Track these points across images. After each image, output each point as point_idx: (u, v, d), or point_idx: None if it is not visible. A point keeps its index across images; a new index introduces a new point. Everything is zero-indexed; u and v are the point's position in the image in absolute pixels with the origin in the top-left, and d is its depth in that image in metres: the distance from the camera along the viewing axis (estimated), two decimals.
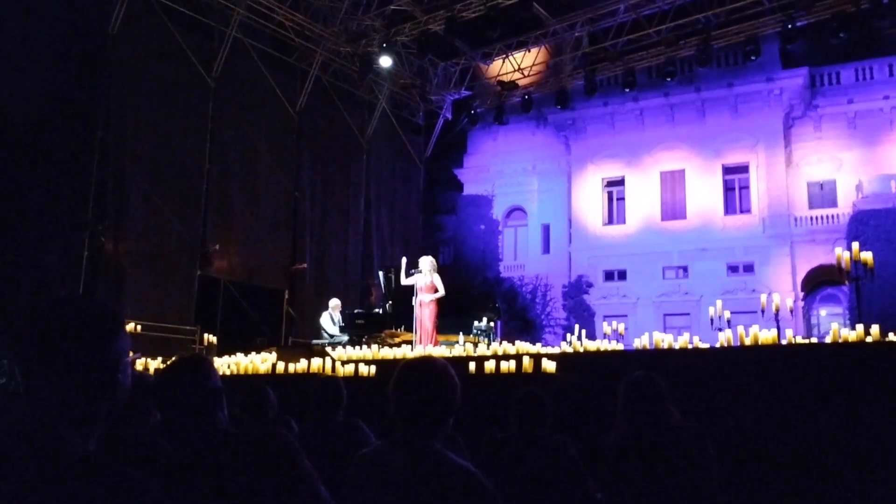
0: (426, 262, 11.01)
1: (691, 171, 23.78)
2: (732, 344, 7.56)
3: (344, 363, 8.69)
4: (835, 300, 22.50)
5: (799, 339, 8.84)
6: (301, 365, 8.74)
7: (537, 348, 9.26)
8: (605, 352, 8.51)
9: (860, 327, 6.79)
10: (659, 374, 3.30)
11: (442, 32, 18.00)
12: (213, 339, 13.85)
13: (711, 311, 11.74)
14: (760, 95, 22.77)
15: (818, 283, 22.18)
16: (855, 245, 9.79)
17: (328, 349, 10.29)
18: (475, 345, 10.49)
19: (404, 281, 11.18)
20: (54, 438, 1.29)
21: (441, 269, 11.47)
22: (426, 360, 2.20)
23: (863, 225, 19.25)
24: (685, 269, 23.36)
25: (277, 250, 18.49)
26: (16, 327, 1.39)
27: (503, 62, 21.92)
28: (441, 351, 10.08)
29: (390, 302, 13.37)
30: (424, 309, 10.80)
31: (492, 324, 13.57)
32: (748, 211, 23.04)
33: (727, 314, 11.09)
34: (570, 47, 21.06)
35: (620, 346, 9.51)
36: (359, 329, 12.77)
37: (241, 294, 17.26)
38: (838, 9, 16.23)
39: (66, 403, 1.33)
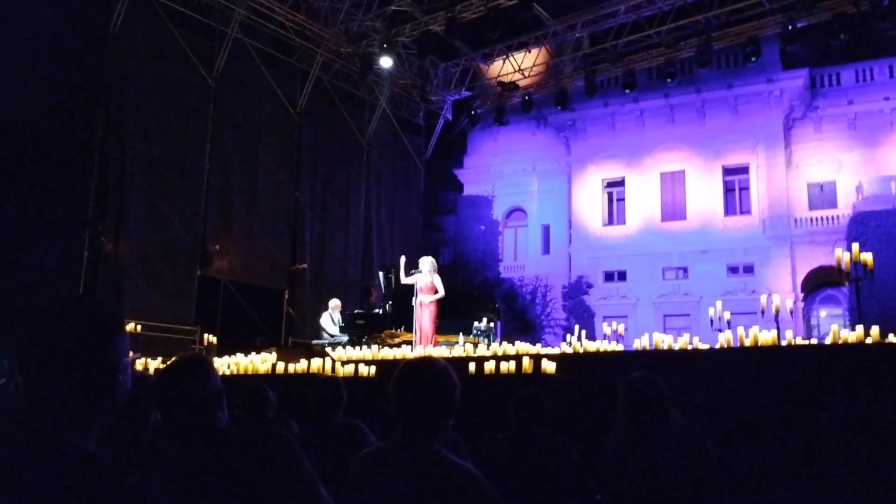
0: (426, 263, 11.00)
1: (691, 172, 23.79)
2: (732, 345, 7.56)
3: (344, 363, 8.68)
4: (835, 301, 22.50)
5: (799, 341, 8.83)
6: (301, 365, 8.74)
7: (537, 349, 9.25)
8: (605, 352, 8.50)
9: (860, 328, 6.78)
10: (659, 374, 3.30)
11: (442, 33, 18.01)
12: (213, 339, 13.84)
13: (711, 311, 11.74)
14: (761, 96, 22.77)
15: (818, 284, 22.17)
16: (855, 246, 9.78)
17: (328, 349, 10.28)
18: (475, 345, 10.49)
19: (404, 280, 11.17)
20: (54, 438, 1.29)
21: (441, 270, 11.47)
22: (426, 361, 2.20)
23: (863, 226, 19.25)
24: (685, 269, 23.37)
25: (277, 250, 18.49)
26: (16, 327, 1.39)
27: (503, 63, 21.93)
28: (441, 351, 10.08)
29: (390, 302, 13.36)
30: (424, 310, 10.79)
31: (492, 324, 13.56)
32: (748, 212, 23.04)
33: (727, 315, 11.09)
34: (571, 48, 21.06)
35: (620, 347, 9.50)
36: (359, 329, 12.77)
37: (241, 294, 17.26)
38: (839, 10, 16.24)
39: (66, 403, 1.33)
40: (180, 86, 16.23)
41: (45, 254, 13.33)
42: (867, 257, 9.44)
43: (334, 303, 13.57)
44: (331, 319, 13.24)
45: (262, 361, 9.12)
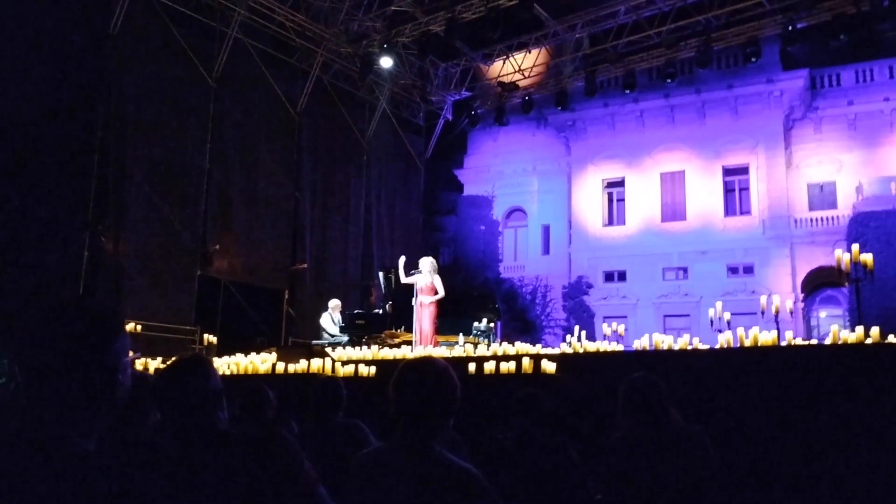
0: (426, 263, 10.98)
1: (691, 173, 23.79)
2: (732, 345, 7.56)
3: (344, 364, 8.68)
4: (835, 302, 22.50)
5: (799, 341, 8.83)
6: (301, 365, 8.74)
7: (537, 349, 9.25)
8: (605, 353, 8.50)
9: (860, 329, 6.78)
10: (659, 375, 3.30)
11: (442, 33, 17.99)
12: (213, 339, 13.83)
13: (711, 312, 11.74)
14: (761, 97, 22.78)
15: (818, 284, 22.18)
16: (855, 247, 9.79)
17: (328, 349, 10.28)
18: (475, 345, 10.49)
19: (404, 280, 11.17)
20: (54, 438, 1.29)
21: (441, 270, 11.45)
22: (426, 361, 2.20)
23: (863, 227, 19.26)
24: (685, 270, 23.37)
25: (277, 250, 18.49)
26: (16, 327, 1.39)
27: (504, 63, 21.94)
28: (441, 352, 10.07)
29: (390, 302, 13.36)
30: (424, 310, 10.78)
31: (491, 325, 13.56)
32: (748, 212, 23.04)
33: (727, 315, 11.09)
34: (571, 48, 21.06)
35: (620, 348, 9.49)
36: (359, 329, 12.77)
37: (241, 294, 17.25)
38: (839, 11, 16.23)
39: (66, 403, 1.33)
40: (180, 86, 16.22)
41: (45, 254, 13.33)
42: (867, 258, 9.44)
43: (334, 303, 13.57)
44: (331, 319, 13.24)
45: (262, 361, 9.12)
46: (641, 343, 8.81)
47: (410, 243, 22.29)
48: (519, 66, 21.61)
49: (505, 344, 9.54)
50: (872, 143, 22.04)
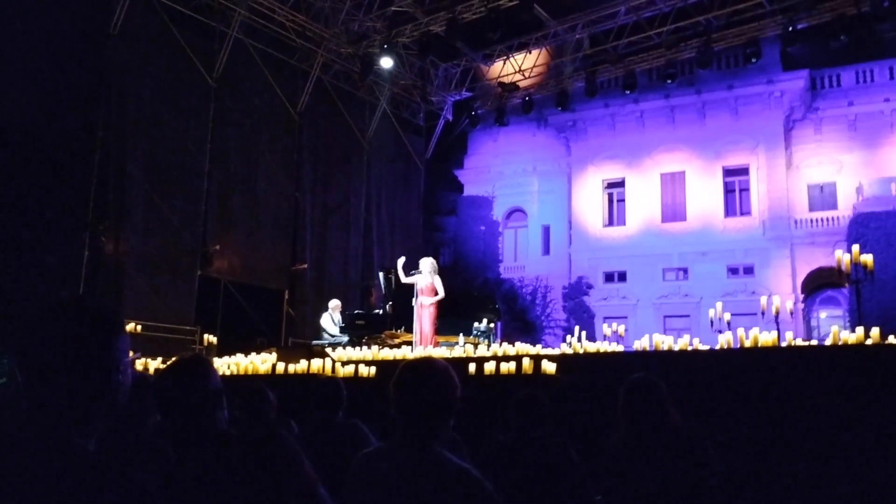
0: (427, 264, 10.98)
1: (691, 173, 23.79)
2: (732, 346, 7.56)
3: (344, 364, 8.68)
4: (835, 302, 22.49)
5: (799, 342, 8.83)
6: (301, 365, 8.74)
7: (537, 350, 9.25)
8: (605, 353, 8.50)
9: (860, 330, 6.78)
10: (659, 375, 3.30)
11: (443, 34, 18.00)
12: (213, 339, 13.84)
13: (711, 313, 11.73)
14: (761, 98, 22.77)
15: (818, 285, 22.17)
16: (855, 247, 9.79)
17: (328, 350, 10.28)
18: (475, 346, 10.49)
19: (404, 279, 11.17)
20: (54, 438, 1.29)
21: (441, 270, 11.45)
22: (427, 361, 2.20)
23: (863, 227, 19.25)
24: (685, 270, 23.36)
25: (277, 250, 18.50)
26: (16, 327, 1.39)
27: (504, 63, 21.95)
28: (441, 352, 10.07)
29: (390, 303, 13.36)
30: (424, 311, 10.77)
31: (492, 325, 13.56)
32: (748, 213, 23.03)
33: (727, 316, 11.08)
34: (571, 49, 21.06)
35: (620, 348, 9.50)
36: (359, 330, 12.77)
37: (241, 294, 17.26)
38: (839, 11, 16.24)
39: (66, 403, 1.33)
40: (180, 86, 16.23)
41: (45, 254, 13.33)
42: (867, 259, 9.44)
43: (334, 303, 13.57)
44: (331, 320, 13.24)
45: (262, 362, 9.12)
46: (641, 344, 8.81)
47: (410, 243, 22.29)
48: (519, 67, 21.61)
49: (505, 344, 9.54)
50: (873, 144, 22.04)
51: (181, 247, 15.95)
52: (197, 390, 2.01)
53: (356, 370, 8.30)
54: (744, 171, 23.32)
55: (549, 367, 7.38)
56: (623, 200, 24.89)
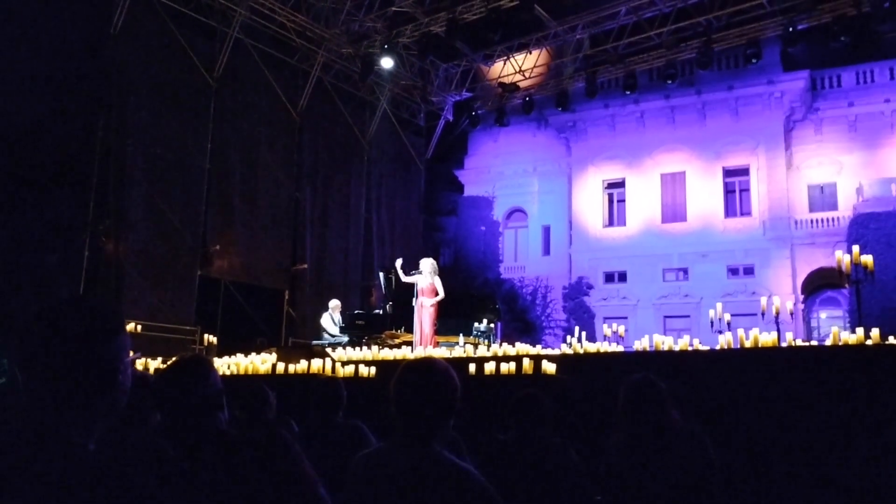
0: (427, 264, 10.98)
1: (692, 174, 23.79)
2: (732, 346, 7.56)
3: (344, 364, 8.68)
4: (835, 303, 22.49)
5: (799, 342, 8.83)
6: (301, 366, 8.73)
7: (537, 350, 9.25)
8: (605, 354, 8.49)
9: (860, 330, 6.77)
10: (659, 376, 3.30)
11: (443, 34, 18.00)
12: (213, 339, 13.84)
13: (711, 313, 11.74)
14: (761, 98, 22.77)
15: (818, 285, 22.17)
16: (855, 248, 9.79)
17: (328, 350, 10.28)
18: (475, 346, 10.49)
19: (404, 278, 11.18)
20: (54, 438, 1.29)
21: (441, 271, 11.46)
22: (427, 362, 2.20)
23: (863, 228, 19.26)
24: (685, 271, 23.36)
25: (277, 250, 18.50)
26: (16, 327, 1.39)
27: (504, 64, 21.95)
28: (441, 352, 10.07)
29: (390, 303, 13.36)
30: (424, 311, 10.78)
31: (492, 325, 13.57)
32: (748, 213, 23.04)
33: (727, 317, 11.09)
34: (571, 49, 21.06)
35: (620, 348, 9.50)
36: (359, 330, 12.77)
37: (241, 294, 17.25)
38: (839, 12, 16.24)
39: (67, 403, 1.33)
40: (180, 86, 16.23)
41: (45, 254, 13.33)
42: (867, 259, 9.44)
43: (334, 303, 13.57)
44: (331, 320, 13.24)
45: (262, 362, 9.12)
46: (642, 344, 8.80)
47: (411, 244, 22.30)
48: (519, 67, 21.62)
49: (505, 345, 9.54)
50: (873, 145, 22.04)
51: (181, 247, 15.95)
52: (197, 390, 2.01)
53: (356, 370, 8.30)
54: (744, 171, 23.32)
55: (549, 368, 7.37)
56: (623, 201, 24.89)
